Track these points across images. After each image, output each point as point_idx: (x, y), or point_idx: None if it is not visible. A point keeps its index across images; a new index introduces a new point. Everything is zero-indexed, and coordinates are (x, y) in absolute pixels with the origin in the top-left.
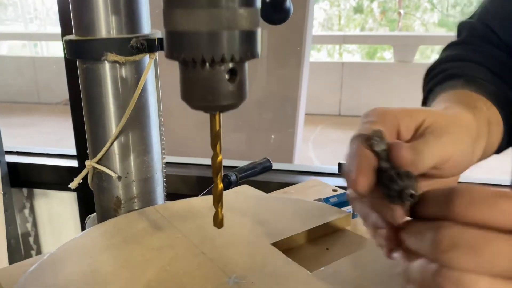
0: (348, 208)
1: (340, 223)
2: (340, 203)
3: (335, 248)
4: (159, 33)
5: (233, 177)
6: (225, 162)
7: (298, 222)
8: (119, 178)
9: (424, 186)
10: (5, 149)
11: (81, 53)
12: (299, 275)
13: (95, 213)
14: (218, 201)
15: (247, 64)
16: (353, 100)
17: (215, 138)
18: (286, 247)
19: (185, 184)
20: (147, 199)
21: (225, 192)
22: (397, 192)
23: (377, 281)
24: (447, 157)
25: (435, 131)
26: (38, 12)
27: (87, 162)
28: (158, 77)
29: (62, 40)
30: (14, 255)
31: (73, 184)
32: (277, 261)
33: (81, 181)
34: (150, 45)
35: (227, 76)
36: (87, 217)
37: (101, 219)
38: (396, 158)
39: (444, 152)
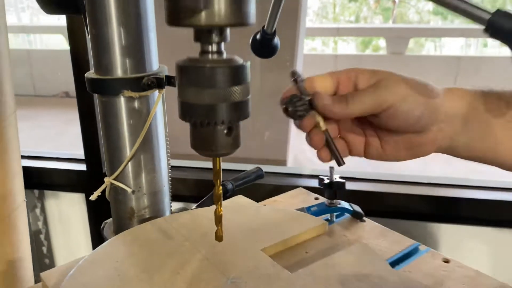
0: (325, 216)
1: (318, 230)
2: (320, 211)
3: (313, 251)
4: (165, 69)
5: (230, 186)
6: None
7: (282, 230)
8: (133, 192)
9: (395, 140)
10: None
11: (101, 90)
12: (282, 275)
13: (110, 219)
14: (219, 222)
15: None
16: None
17: (216, 174)
18: (273, 252)
19: (184, 186)
20: (157, 209)
21: (224, 202)
22: (292, 112)
23: (347, 278)
24: (381, 103)
25: (376, 85)
26: (30, 1)
27: (106, 179)
28: (165, 106)
29: (84, 77)
30: None
31: (93, 197)
32: (265, 264)
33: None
34: (159, 82)
35: (225, 132)
36: (104, 222)
37: (117, 225)
38: (315, 100)
39: (375, 101)
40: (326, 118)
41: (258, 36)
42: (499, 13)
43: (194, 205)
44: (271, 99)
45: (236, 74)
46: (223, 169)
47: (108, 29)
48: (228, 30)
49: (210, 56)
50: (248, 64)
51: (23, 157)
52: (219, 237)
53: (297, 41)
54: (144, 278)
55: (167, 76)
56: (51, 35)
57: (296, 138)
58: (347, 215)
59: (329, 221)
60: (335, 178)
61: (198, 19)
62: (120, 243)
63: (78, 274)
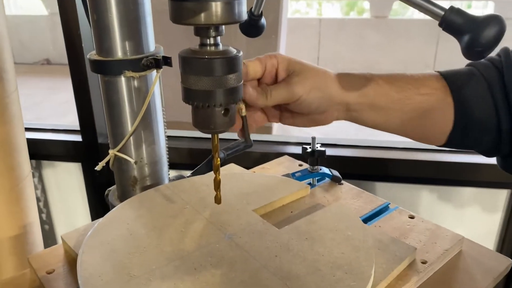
0: (308, 181)
1: (301, 193)
2: (303, 176)
3: (297, 211)
4: (162, 50)
5: (221, 155)
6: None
7: (271, 193)
8: (136, 162)
9: (302, 116)
10: None
11: (103, 70)
12: (271, 231)
13: (113, 187)
14: (218, 188)
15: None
16: (331, 57)
17: (215, 148)
18: (263, 212)
19: (178, 155)
20: (156, 177)
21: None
22: None
23: (325, 232)
24: (292, 97)
25: (289, 80)
26: None
27: (110, 151)
28: (161, 84)
29: (86, 58)
30: None
31: (98, 167)
32: (257, 223)
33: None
34: (157, 63)
35: (222, 113)
36: (107, 190)
37: (121, 192)
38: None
39: (288, 95)
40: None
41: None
42: (452, 10)
43: (188, 173)
44: None
45: (231, 64)
46: (203, 138)
47: (108, 15)
48: (223, 26)
49: (208, 48)
50: (241, 54)
51: (31, 129)
52: (218, 200)
53: (281, 4)
54: (153, 236)
55: (163, 57)
56: None
57: None
58: (327, 179)
59: (312, 185)
60: (317, 147)
61: (198, 19)
62: (128, 207)
63: (96, 234)
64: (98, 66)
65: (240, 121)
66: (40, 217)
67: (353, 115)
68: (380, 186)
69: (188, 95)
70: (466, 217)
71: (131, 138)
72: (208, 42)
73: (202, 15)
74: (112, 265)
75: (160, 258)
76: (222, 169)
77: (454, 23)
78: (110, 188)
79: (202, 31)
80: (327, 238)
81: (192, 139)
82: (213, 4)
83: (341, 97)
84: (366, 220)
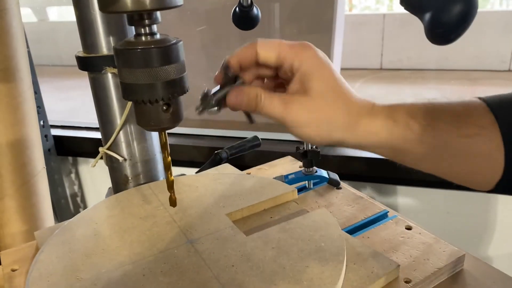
0: (301, 184)
1: (286, 196)
2: (296, 178)
3: (278, 217)
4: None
5: (224, 155)
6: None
7: (252, 197)
8: (125, 160)
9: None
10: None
11: (88, 67)
12: (237, 238)
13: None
14: (171, 188)
15: (180, 98)
16: (396, 53)
17: (163, 146)
18: (239, 216)
19: (199, 153)
20: (150, 175)
21: (208, 170)
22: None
23: (296, 241)
24: (282, 123)
25: (288, 99)
26: None
27: (100, 149)
28: None
29: (75, 56)
30: (65, 212)
31: (92, 164)
32: (225, 228)
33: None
34: None
35: (164, 108)
36: (108, 188)
37: (115, 190)
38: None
39: (279, 118)
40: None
41: (237, 10)
42: None
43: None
44: None
45: (167, 53)
46: (225, 136)
47: (91, 11)
48: (158, 13)
49: (143, 38)
50: (180, 43)
51: (56, 127)
52: (172, 202)
53: (336, 1)
54: (116, 237)
55: None
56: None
57: None
58: (326, 182)
59: (307, 189)
60: (311, 147)
61: (124, 6)
62: (103, 207)
63: (61, 233)
64: (83, 63)
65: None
66: (79, 211)
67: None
68: (404, 190)
69: (125, 91)
70: None
71: (121, 135)
72: (142, 32)
73: (129, 0)
74: (64, 266)
75: (113, 262)
76: (213, 169)
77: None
78: (110, 186)
79: (133, 19)
80: (295, 248)
81: (212, 137)
82: None
83: (356, 143)
84: (356, 229)
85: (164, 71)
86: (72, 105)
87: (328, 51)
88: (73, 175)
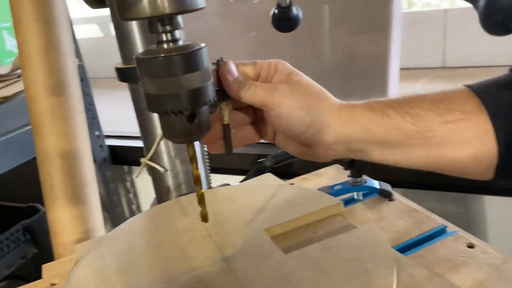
0: (349, 196)
1: (330, 210)
2: (344, 189)
3: (322, 232)
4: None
5: (268, 163)
6: None
7: (294, 210)
8: (166, 170)
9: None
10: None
11: (127, 78)
12: (275, 256)
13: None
14: (201, 202)
15: (205, 107)
16: (460, 50)
17: (191, 159)
18: (279, 231)
19: (246, 161)
20: (192, 185)
21: (250, 181)
22: None
23: (338, 262)
24: (270, 103)
25: (275, 86)
26: None
27: (142, 159)
28: None
29: (114, 67)
30: (121, 220)
31: (135, 175)
32: (263, 244)
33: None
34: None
35: (188, 119)
36: (154, 198)
37: (158, 201)
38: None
39: (264, 100)
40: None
41: (276, 11)
42: None
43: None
44: (367, 64)
45: (189, 60)
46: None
47: (127, 22)
48: (179, 18)
49: (165, 45)
50: (204, 49)
51: (111, 137)
52: (204, 218)
53: None
54: (151, 253)
55: None
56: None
57: None
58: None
59: (355, 200)
60: None
61: (143, 12)
62: (141, 220)
63: (99, 247)
64: (122, 74)
65: (217, 131)
66: None
67: (357, 155)
68: (471, 199)
69: (148, 102)
70: None
71: (162, 146)
72: (164, 39)
73: (146, 6)
74: (97, 282)
75: (145, 279)
76: (255, 179)
77: None
78: (155, 196)
79: (153, 26)
80: (338, 269)
81: (258, 144)
82: None
83: (336, 133)
84: (409, 247)
85: (186, 80)
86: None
87: (385, 51)
88: (128, 184)
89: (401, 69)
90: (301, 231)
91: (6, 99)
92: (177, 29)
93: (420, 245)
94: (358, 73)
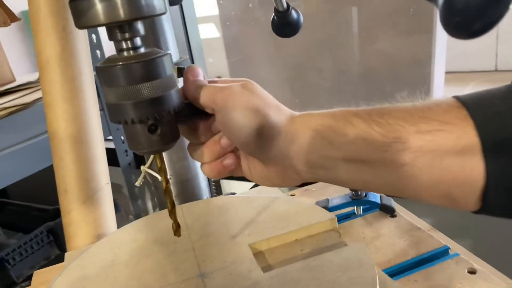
0: (351, 210)
1: (324, 226)
2: (342, 203)
3: (309, 249)
4: (188, 60)
5: None
6: None
7: (284, 224)
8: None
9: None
10: None
11: None
12: (253, 275)
13: None
14: (173, 217)
15: (170, 118)
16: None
17: (160, 170)
18: (265, 247)
19: None
20: (193, 194)
21: (251, 190)
22: None
23: (319, 283)
24: (214, 99)
25: (226, 86)
26: None
27: (142, 167)
28: None
29: None
30: None
31: (137, 183)
32: (243, 261)
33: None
34: (179, 72)
35: (148, 129)
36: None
37: (161, 207)
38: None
39: (212, 94)
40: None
41: (274, 17)
42: None
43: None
44: (409, 68)
45: (147, 68)
46: None
47: None
48: (139, 24)
49: (125, 53)
50: (165, 58)
51: None
52: (176, 232)
53: None
54: (131, 265)
55: (179, 68)
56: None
57: None
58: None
59: (355, 215)
60: None
61: (97, 19)
62: (132, 229)
63: (84, 256)
64: None
65: (215, 151)
66: None
67: (321, 174)
68: None
69: (108, 112)
70: None
71: (163, 153)
72: (123, 46)
73: (98, 12)
74: None
75: None
76: (256, 190)
77: None
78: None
79: (110, 33)
80: None
81: None
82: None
83: (290, 142)
84: (404, 269)
85: (147, 88)
86: None
87: (429, 53)
88: (152, 188)
89: (450, 72)
90: (288, 247)
91: (26, 105)
92: (137, 36)
93: (415, 268)
94: (398, 77)
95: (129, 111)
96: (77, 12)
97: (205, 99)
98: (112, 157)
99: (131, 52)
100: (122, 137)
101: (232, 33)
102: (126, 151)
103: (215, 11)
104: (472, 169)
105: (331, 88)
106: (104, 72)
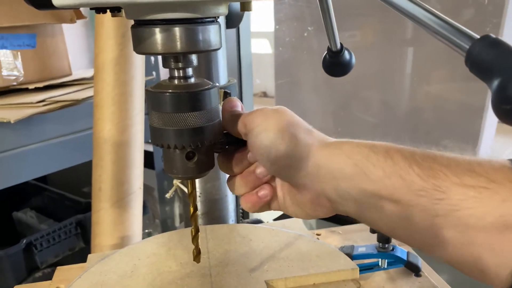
0: (375, 261)
1: (344, 274)
2: (367, 253)
3: None
4: (235, 84)
5: None
6: None
7: (304, 266)
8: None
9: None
10: None
11: None
12: None
13: None
14: (195, 243)
15: (208, 147)
16: None
17: (190, 196)
18: (282, 286)
19: None
20: (219, 215)
21: (276, 222)
22: None
23: None
24: (244, 125)
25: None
26: None
27: (175, 181)
28: None
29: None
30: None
31: (168, 195)
32: None
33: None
34: (225, 95)
35: (185, 156)
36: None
37: (186, 223)
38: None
39: (242, 120)
40: None
41: (327, 56)
42: (485, 40)
43: None
44: (459, 115)
45: (195, 99)
46: None
47: None
48: (193, 56)
49: (176, 81)
50: (213, 90)
51: None
52: (195, 257)
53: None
54: (148, 280)
55: (225, 91)
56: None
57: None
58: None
59: (378, 268)
60: None
61: (155, 48)
62: (154, 242)
63: (106, 262)
64: None
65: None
66: None
67: (350, 207)
68: None
69: (151, 133)
70: None
71: None
72: (175, 74)
73: (157, 42)
74: None
75: None
76: (279, 222)
77: (482, 60)
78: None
79: (164, 61)
80: None
81: None
82: (173, 30)
83: (318, 165)
84: None
85: (191, 117)
86: None
87: (482, 101)
88: (181, 202)
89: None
90: None
91: (77, 102)
92: (189, 67)
93: None
94: (445, 123)
95: (170, 136)
96: (137, 38)
97: (238, 125)
98: (148, 159)
99: (182, 81)
100: None
101: (284, 56)
102: (162, 156)
103: (269, 27)
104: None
105: (375, 123)
106: (154, 96)
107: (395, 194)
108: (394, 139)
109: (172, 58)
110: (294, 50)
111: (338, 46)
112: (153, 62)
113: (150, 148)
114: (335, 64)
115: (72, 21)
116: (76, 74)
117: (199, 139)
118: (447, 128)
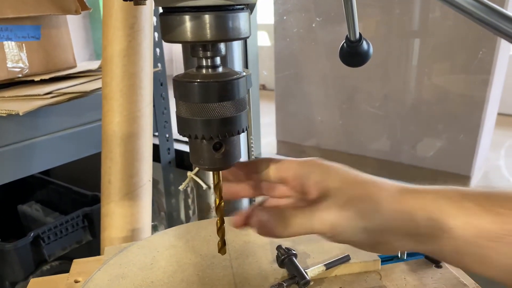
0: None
1: (366, 266)
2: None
3: None
4: (250, 76)
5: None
6: None
7: (325, 257)
8: (209, 188)
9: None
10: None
11: None
12: None
13: None
14: (221, 235)
15: (235, 138)
16: None
17: (215, 188)
18: None
19: None
20: (233, 207)
21: None
22: None
23: None
24: (310, 232)
25: (319, 202)
26: None
27: (189, 173)
28: (250, 107)
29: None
30: (176, 223)
31: (181, 187)
32: None
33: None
34: None
35: (212, 147)
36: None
37: (199, 215)
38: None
39: (305, 229)
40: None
41: (344, 45)
42: None
43: None
44: (461, 106)
45: (223, 89)
46: None
47: None
48: (221, 45)
49: (203, 70)
50: (241, 80)
51: (179, 141)
52: (221, 250)
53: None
54: (169, 272)
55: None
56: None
57: (492, 150)
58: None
59: (397, 259)
60: None
61: (184, 36)
62: (172, 234)
63: (124, 255)
64: None
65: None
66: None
67: (426, 245)
68: None
69: (178, 124)
70: None
71: None
72: (203, 64)
73: (186, 30)
74: None
75: None
76: None
77: None
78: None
79: (193, 50)
80: None
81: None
82: (202, 17)
83: (401, 229)
84: None
85: (220, 107)
86: None
87: (483, 94)
88: (188, 189)
89: (502, 114)
90: (328, 282)
91: (85, 94)
92: (218, 55)
93: None
94: (448, 113)
95: (198, 127)
96: (166, 26)
97: (296, 234)
98: (154, 152)
99: (210, 70)
100: (167, 135)
101: (288, 48)
102: (168, 149)
103: (268, 20)
104: None
105: (378, 115)
106: (181, 86)
107: (464, 240)
108: (396, 128)
109: (201, 46)
110: (296, 42)
111: (357, 35)
112: (158, 54)
113: (156, 141)
114: (353, 54)
115: (77, 12)
116: (81, 66)
117: (226, 130)
118: (449, 117)
